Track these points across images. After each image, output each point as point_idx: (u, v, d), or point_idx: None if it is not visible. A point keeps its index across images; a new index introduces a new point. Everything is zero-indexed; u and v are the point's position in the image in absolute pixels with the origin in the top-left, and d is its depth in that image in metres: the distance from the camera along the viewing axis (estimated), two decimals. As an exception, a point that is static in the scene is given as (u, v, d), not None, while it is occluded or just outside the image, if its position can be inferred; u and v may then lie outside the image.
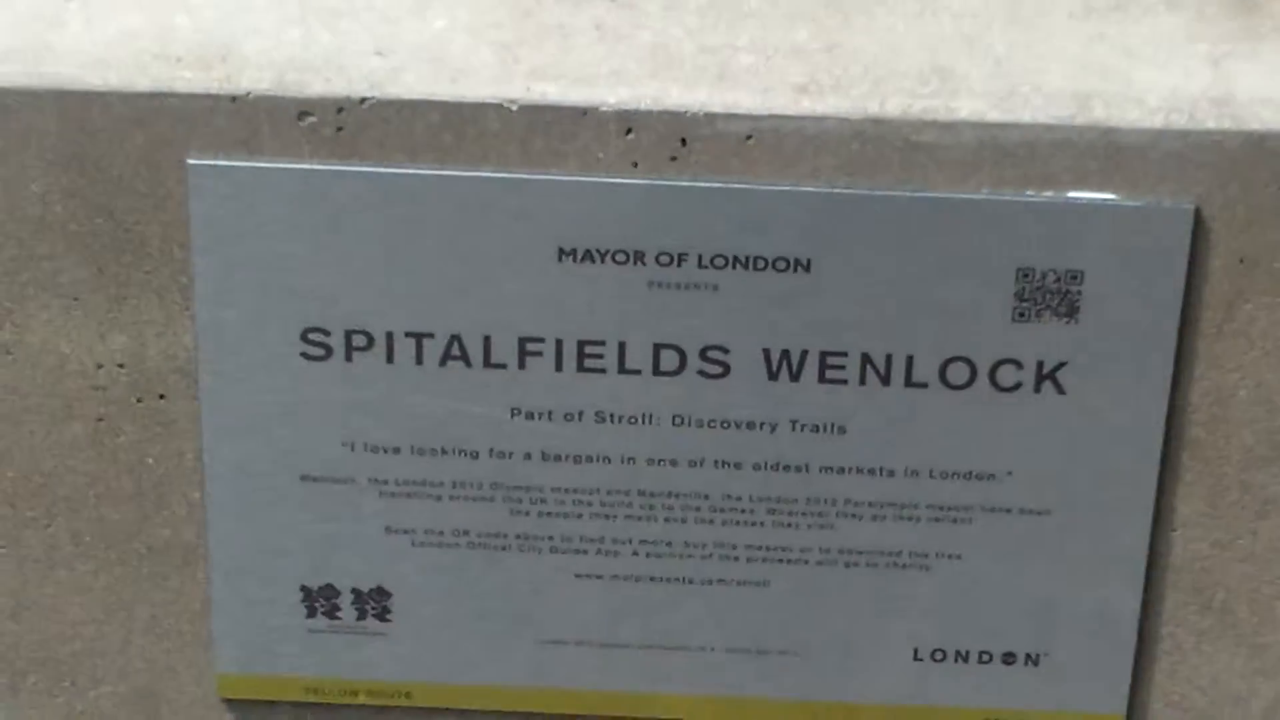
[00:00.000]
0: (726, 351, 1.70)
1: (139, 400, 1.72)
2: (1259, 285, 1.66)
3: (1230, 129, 1.62)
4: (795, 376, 1.70)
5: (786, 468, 1.75)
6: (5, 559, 1.80)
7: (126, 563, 1.80)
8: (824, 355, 1.69)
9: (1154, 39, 1.66)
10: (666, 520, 1.77)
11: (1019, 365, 1.69)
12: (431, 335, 1.70)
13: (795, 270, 1.66)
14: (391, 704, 1.83)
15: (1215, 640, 1.80)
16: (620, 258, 1.65)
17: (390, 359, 1.70)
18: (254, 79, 1.63)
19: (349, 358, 1.70)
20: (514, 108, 1.62)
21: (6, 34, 1.66)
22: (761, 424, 1.73)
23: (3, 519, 1.79)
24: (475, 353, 1.70)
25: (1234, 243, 1.64)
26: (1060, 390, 1.70)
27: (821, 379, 1.70)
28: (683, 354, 1.69)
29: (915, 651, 1.81)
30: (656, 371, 1.70)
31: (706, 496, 1.75)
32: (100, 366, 1.71)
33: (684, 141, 1.63)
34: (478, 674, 1.83)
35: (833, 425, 1.72)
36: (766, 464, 1.74)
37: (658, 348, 1.69)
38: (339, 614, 1.81)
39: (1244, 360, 1.69)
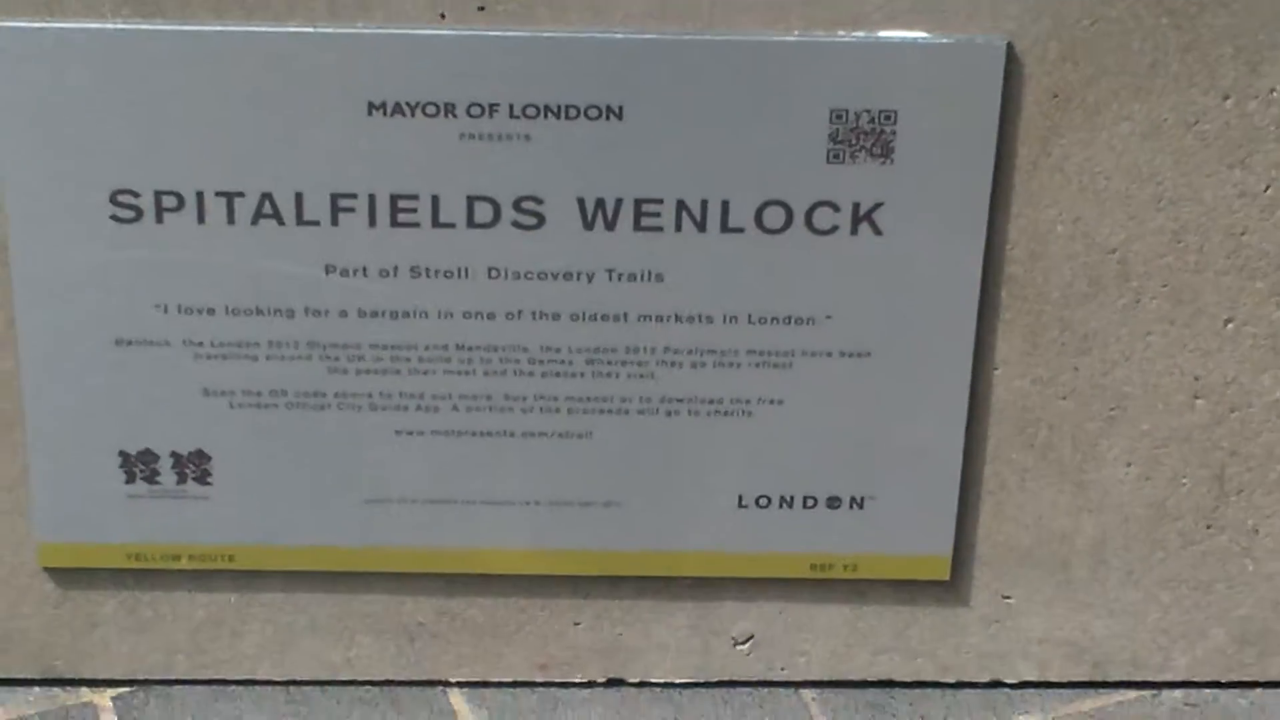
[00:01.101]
0: (540, 202, 1.69)
1: None
2: (1073, 121, 1.66)
3: None
4: (611, 225, 1.70)
5: (604, 317, 1.75)
6: None
7: None
8: (639, 203, 1.69)
9: None
10: (485, 374, 1.77)
11: (835, 208, 1.70)
12: (242, 194, 1.68)
13: (607, 118, 1.65)
14: (215, 567, 1.83)
15: (1039, 478, 1.81)
16: (430, 110, 1.64)
17: (201, 219, 1.69)
18: None
19: (159, 219, 1.69)
20: None
21: None
22: (578, 274, 1.73)
23: None
24: (287, 210, 1.69)
25: (1046, 79, 1.64)
26: (877, 231, 1.71)
27: (637, 227, 1.70)
28: (497, 206, 1.69)
29: (740, 499, 1.81)
30: (471, 224, 1.70)
31: (525, 349, 1.75)
32: None
33: None
34: (301, 535, 1.83)
35: (650, 273, 1.72)
36: (584, 314, 1.74)
37: (471, 200, 1.69)
38: (159, 479, 1.80)
39: (1060, 196, 1.70)
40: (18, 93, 1.64)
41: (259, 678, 1.90)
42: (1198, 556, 1.85)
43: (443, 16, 1.61)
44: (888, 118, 1.66)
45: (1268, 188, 1.69)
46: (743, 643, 1.88)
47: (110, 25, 1.62)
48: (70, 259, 1.71)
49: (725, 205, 1.69)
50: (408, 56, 1.63)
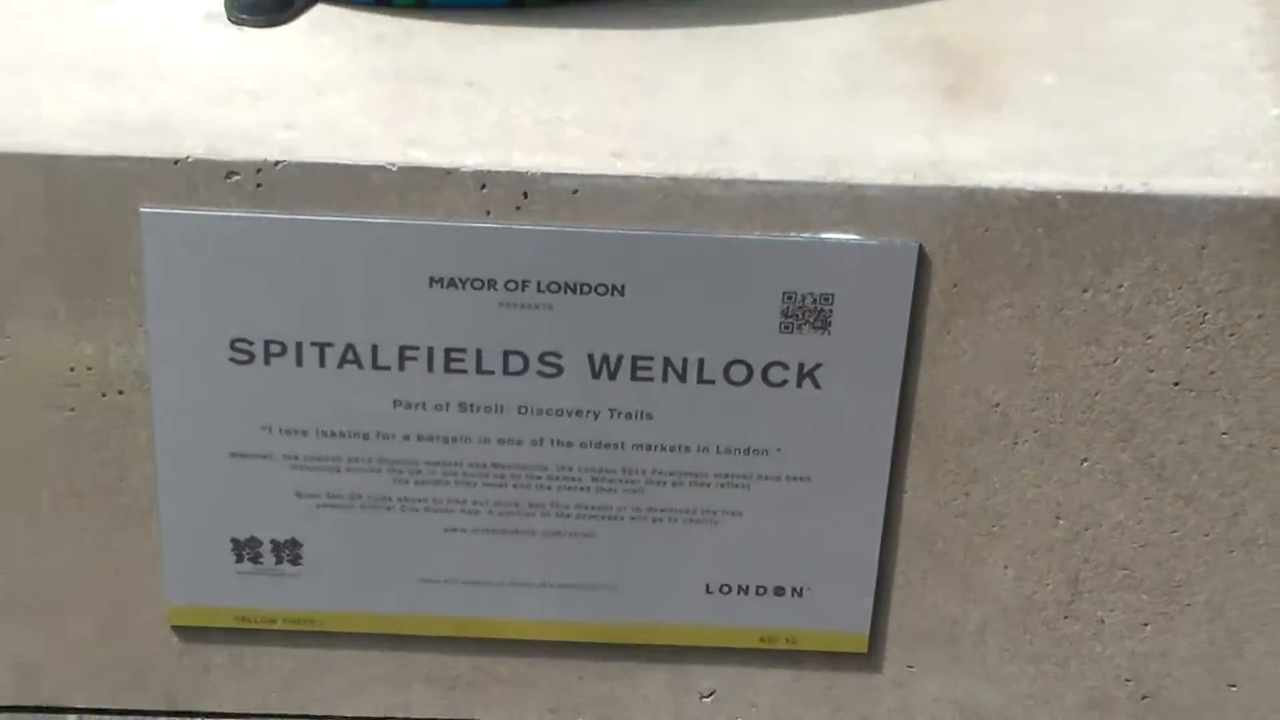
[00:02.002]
0: (560, 357, 1.70)
1: (103, 395, 1.72)
2: (967, 306, 1.67)
3: (945, 184, 1.64)
4: (613, 376, 1.71)
5: (607, 445, 1.75)
6: (-1, 520, 1.76)
7: (95, 523, 1.79)
8: (635, 359, 1.70)
9: (887, 116, 1.68)
10: (514, 486, 1.78)
11: (785, 366, 1.70)
12: (331, 344, 1.70)
13: (613, 294, 1.67)
14: (302, 629, 1.83)
15: (936, 576, 1.82)
16: (477, 284, 1.66)
17: (299, 363, 1.70)
18: (191, 146, 1.62)
19: (267, 362, 1.70)
20: (394, 169, 1.62)
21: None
22: (587, 412, 1.73)
23: (-1, 488, 1.75)
24: (365, 358, 1.70)
25: (948, 272, 1.66)
26: (817, 386, 1.72)
27: (634, 378, 1.71)
28: (526, 359, 1.70)
29: (707, 586, 1.82)
30: (506, 373, 1.71)
31: (544, 468, 1.76)
32: (73, 369, 1.71)
33: (525, 195, 1.63)
34: (369, 604, 1.84)
35: (642, 413, 1.73)
36: (591, 443, 1.75)
37: (506, 354, 1.70)
38: (261, 559, 1.81)
39: (957, 363, 1.71)
40: (162, 263, 1.65)
41: (335, 713, 1.91)
42: (1057, 639, 1.86)
43: (488, 213, 1.63)
44: (827, 299, 1.67)
45: (1116, 360, 1.69)
46: (706, 696, 1.88)
47: (234, 214, 1.64)
48: (198, 391, 1.72)
49: (701, 362, 1.70)
50: (460, 243, 1.64)
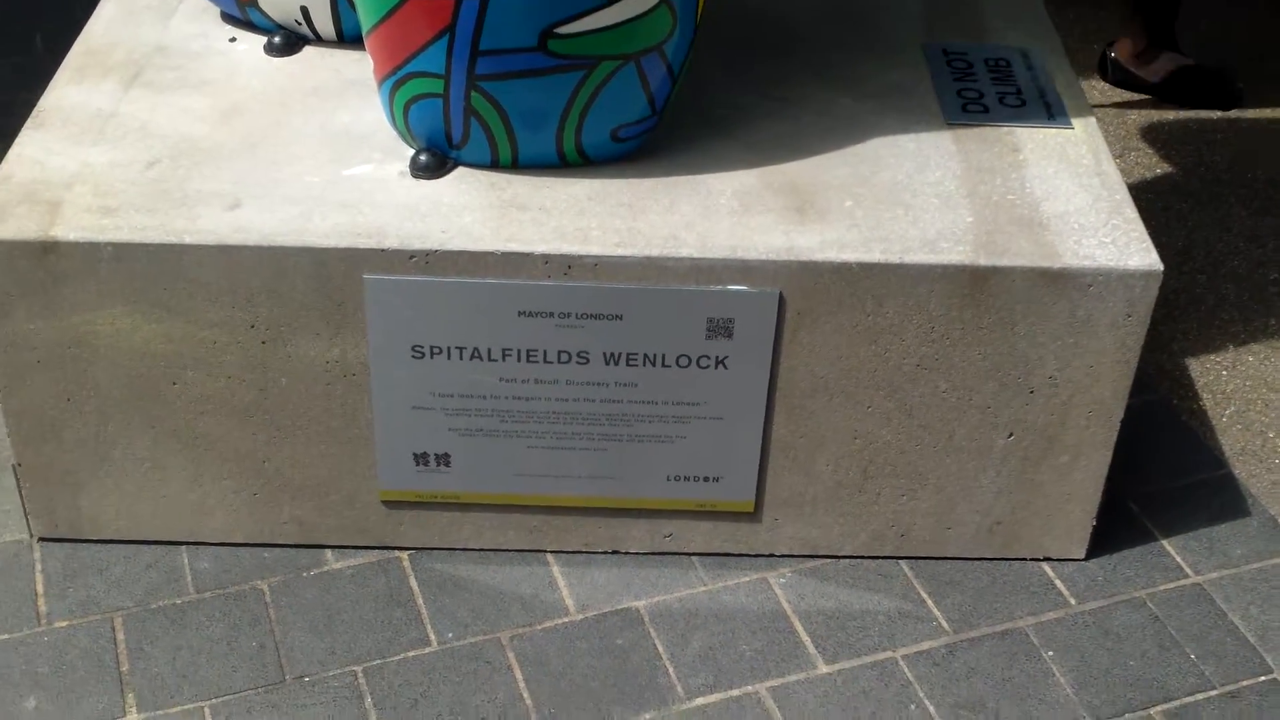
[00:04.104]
0: (588, 354, 1.69)
1: (345, 376, 1.72)
2: (806, 324, 1.68)
3: (793, 260, 1.64)
4: (616, 364, 1.72)
5: (614, 401, 1.74)
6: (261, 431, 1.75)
7: (340, 445, 1.77)
8: (628, 355, 1.71)
9: (763, 224, 1.67)
10: (564, 424, 1.74)
11: (708, 357, 1.70)
12: (465, 347, 1.70)
13: (616, 320, 1.67)
14: (450, 501, 1.82)
15: (789, 470, 1.80)
16: (545, 315, 1.68)
17: (448, 358, 1.71)
18: (391, 242, 1.63)
19: (432, 357, 1.70)
20: (499, 253, 1.62)
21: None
22: (602, 383, 1.71)
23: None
24: (484, 355, 1.70)
25: (795, 305, 1.66)
26: (726, 368, 1.71)
27: (627, 365, 1.72)
28: (570, 354, 1.70)
29: (667, 476, 1.78)
30: (559, 362, 1.71)
31: (580, 414, 1.74)
32: (328, 362, 1.71)
33: (569, 267, 1.63)
34: (487, 488, 1.80)
35: (631, 383, 1.72)
36: (604, 399, 1.73)
37: (559, 352, 1.70)
38: (429, 464, 1.77)
39: (800, 355, 1.71)
40: (376, 306, 1.65)
41: (470, 546, 1.87)
42: (855, 504, 1.83)
43: (548, 277, 1.63)
44: (730, 321, 1.67)
45: (886, 352, 1.70)
46: (667, 536, 1.86)
47: (413, 278, 1.63)
48: (394, 372, 1.71)
49: (663, 356, 1.70)
50: (534, 293, 1.64)
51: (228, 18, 1.87)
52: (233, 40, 1.85)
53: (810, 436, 1.72)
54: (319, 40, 1.84)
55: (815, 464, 1.74)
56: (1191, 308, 2.26)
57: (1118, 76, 2.67)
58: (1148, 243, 1.63)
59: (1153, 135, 2.69)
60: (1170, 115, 2.74)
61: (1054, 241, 1.63)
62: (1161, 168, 2.59)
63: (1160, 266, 1.60)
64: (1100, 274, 1.59)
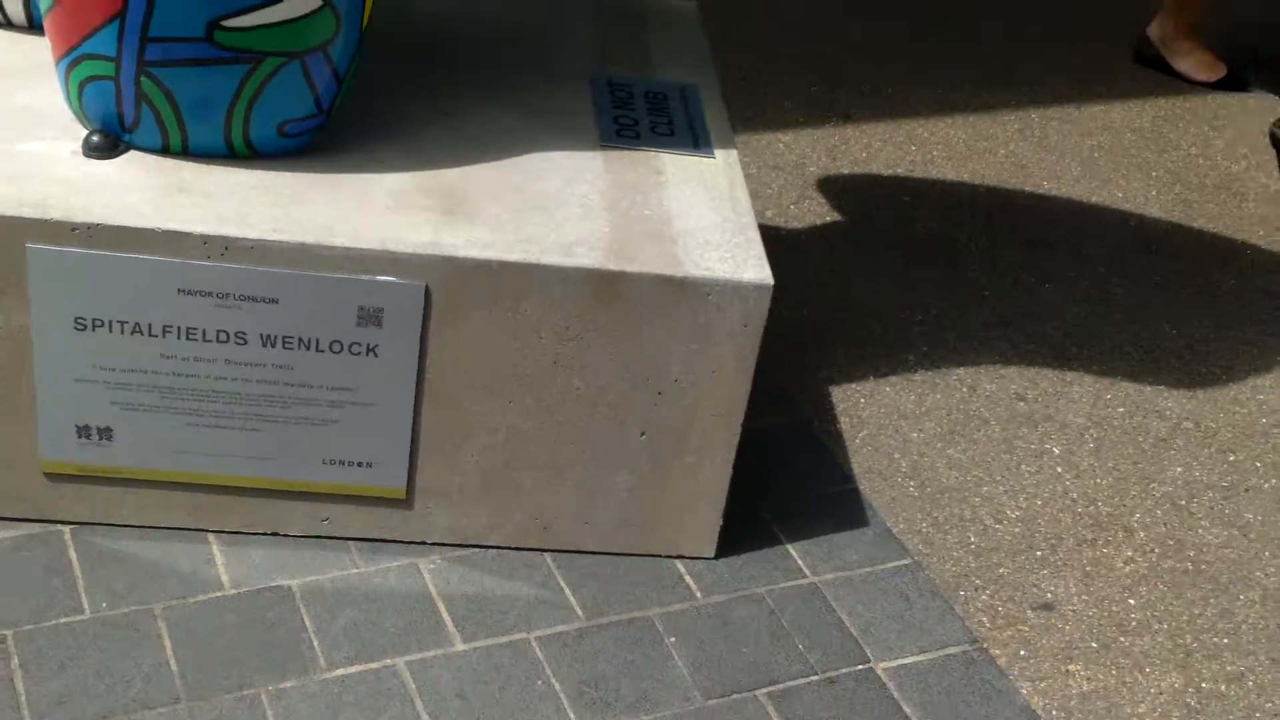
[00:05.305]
0: (245, 335, 1.73)
1: (9, 343, 1.71)
2: (450, 315, 1.73)
3: (440, 255, 1.69)
4: (274, 346, 1.73)
5: (271, 383, 1.76)
6: None
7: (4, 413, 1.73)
8: (284, 338, 1.75)
9: (415, 222, 1.73)
10: (222, 403, 1.76)
11: (359, 344, 1.74)
12: (126, 321, 1.70)
13: (270, 303, 1.71)
14: (112, 475, 1.80)
15: (436, 458, 1.82)
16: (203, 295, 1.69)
17: (110, 331, 1.71)
18: (55, 214, 1.62)
19: (94, 330, 1.70)
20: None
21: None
22: (262, 365, 1.75)
23: None
24: (144, 331, 1.70)
25: (440, 298, 1.71)
26: (376, 355, 1.75)
27: (284, 349, 1.75)
28: (230, 334, 1.72)
29: (323, 460, 1.79)
30: (218, 342, 1.74)
31: (239, 394, 1.75)
32: (1, 329, 1.68)
33: (226, 249, 1.66)
34: (149, 464, 1.80)
35: (288, 366, 1.75)
36: (263, 380, 1.76)
37: (219, 332, 1.73)
38: (90, 437, 1.76)
39: (445, 346, 1.78)
40: (43, 281, 1.65)
41: (129, 523, 1.85)
42: (496, 489, 1.87)
43: (207, 257, 1.65)
44: (380, 310, 1.70)
45: (514, 340, 1.78)
46: (325, 520, 1.85)
47: (83, 251, 1.62)
48: (58, 345, 1.70)
49: (318, 340, 1.72)
50: (194, 271, 1.67)
51: None
52: (-83, 20, 1.84)
53: (457, 428, 1.75)
54: (10, 24, 1.87)
55: (462, 455, 1.77)
56: (841, 342, 2.41)
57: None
58: (764, 260, 1.74)
59: (828, 187, 2.86)
60: (845, 170, 2.90)
61: (679, 254, 1.73)
62: (834, 217, 2.74)
63: (771, 281, 1.71)
64: (718, 284, 1.70)
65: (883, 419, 2.27)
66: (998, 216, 2.84)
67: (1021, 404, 2.34)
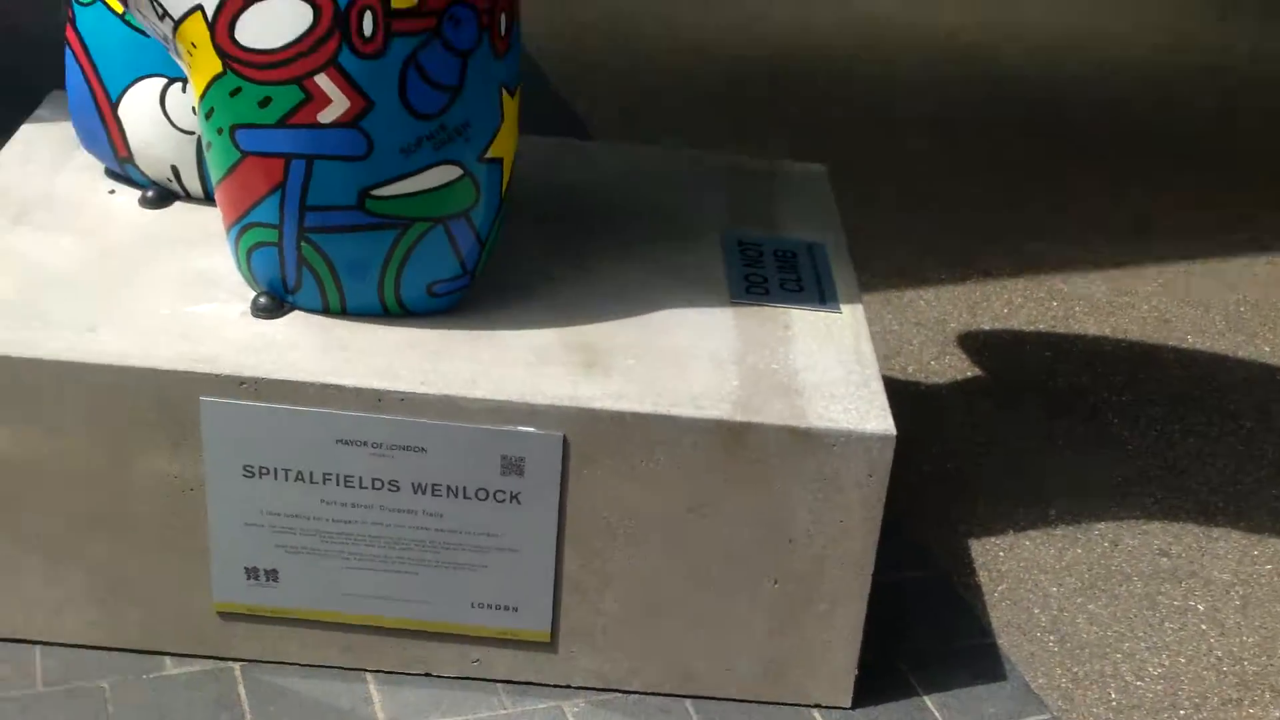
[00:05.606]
0: (398, 483, 1.79)
1: (185, 491, 1.80)
2: (588, 463, 1.80)
3: (577, 406, 1.76)
4: (425, 493, 1.82)
5: (423, 529, 1.82)
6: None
7: (177, 557, 1.85)
8: (433, 486, 1.82)
9: (556, 374, 1.81)
10: (379, 547, 1.83)
11: (503, 492, 1.80)
12: (290, 469, 1.79)
13: (420, 452, 1.78)
14: (280, 615, 1.86)
15: (581, 604, 1.87)
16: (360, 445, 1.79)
17: (275, 478, 1.79)
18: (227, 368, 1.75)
19: (261, 477, 1.78)
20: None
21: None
22: (413, 511, 1.81)
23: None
24: (307, 479, 1.80)
25: (578, 448, 1.78)
26: (520, 503, 1.80)
27: (433, 495, 1.82)
28: (385, 482, 1.80)
29: (472, 603, 1.84)
30: (374, 489, 1.81)
31: (397, 540, 1.83)
32: (172, 478, 1.81)
33: (380, 399, 1.76)
34: (313, 604, 1.86)
35: (439, 513, 1.82)
36: (416, 526, 1.82)
37: (374, 480, 1.80)
38: (258, 579, 1.83)
39: (584, 491, 1.83)
40: (215, 432, 1.77)
41: (293, 660, 1.90)
42: (642, 637, 1.90)
43: (361, 408, 1.75)
44: (521, 459, 1.75)
45: (654, 488, 1.81)
46: (475, 661, 1.90)
47: (251, 404, 1.76)
48: (229, 491, 1.82)
49: (464, 488, 1.78)
50: (350, 422, 1.79)
51: (110, 173, 2.05)
52: (111, 192, 2.03)
53: (598, 573, 1.78)
54: (188, 196, 2.02)
55: (604, 600, 1.80)
56: (981, 495, 2.43)
57: None
58: (887, 411, 1.78)
59: (968, 343, 2.89)
60: (985, 325, 2.94)
61: (805, 406, 1.78)
62: (974, 371, 2.78)
63: (894, 432, 1.75)
64: (842, 435, 1.75)
65: (1022, 572, 2.27)
66: (1141, 370, 2.83)
67: (1165, 559, 2.32)
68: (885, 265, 3.10)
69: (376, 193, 1.73)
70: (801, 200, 2.21)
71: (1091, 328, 2.97)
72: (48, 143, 2.12)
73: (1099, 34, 4.49)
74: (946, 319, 2.95)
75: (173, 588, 1.79)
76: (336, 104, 1.68)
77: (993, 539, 2.33)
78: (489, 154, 1.79)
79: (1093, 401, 2.72)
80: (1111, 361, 2.87)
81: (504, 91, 1.78)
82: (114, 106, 1.93)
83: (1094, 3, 4.77)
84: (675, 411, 1.75)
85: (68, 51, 1.94)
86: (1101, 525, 2.39)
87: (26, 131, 2.14)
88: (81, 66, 1.93)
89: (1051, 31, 4.49)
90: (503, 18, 1.74)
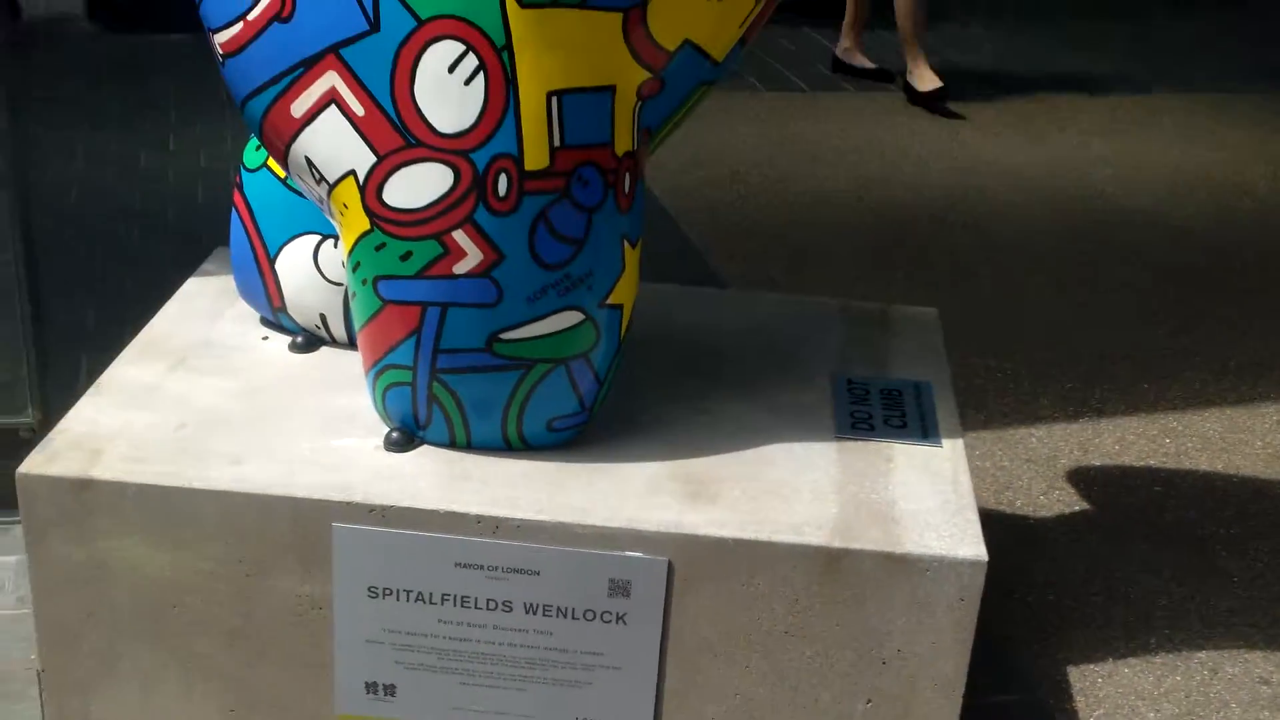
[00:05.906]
0: (511, 604, 1.88)
1: (315, 609, 1.88)
2: (691, 587, 1.87)
3: (683, 533, 1.86)
4: (537, 614, 1.89)
5: (534, 648, 1.88)
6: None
7: (304, 672, 1.91)
8: (544, 606, 1.89)
9: (663, 503, 1.90)
10: (490, 665, 1.89)
11: (610, 613, 1.87)
12: (410, 590, 1.88)
13: (531, 575, 1.86)
14: None
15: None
16: (477, 567, 1.88)
17: (396, 599, 1.89)
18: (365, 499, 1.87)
19: (383, 598, 1.88)
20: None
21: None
22: (525, 631, 1.90)
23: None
24: (424, 599, 1.89)
25: (683, 571, 1.85)
26: (625, 624, 1.87)
27: (543, 615, 1.89)
28: (498, 603, 1.88)
29: (577, 718, 1.87)
30: (488, 609, 1.88)
31: (506, 658, 1.88)
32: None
33: (497, 527, 1.85)
34: (432, 718, 1.81)
35: (548, 632, 1.89)
36: (527, 645, 1.89)
37: (488, 600, 1.89)
38: (377, 693, 1.87)
39: (688, 615, 1.89)
40: (345, 555, 1.88)
41: None
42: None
43: (480, 535, 1.84)
44: (629, 582, 1.83)
45: (763, 611, 1.89)
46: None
47: (379, 529, 1.86)
48: (354, 610, 1.89)
49: (572, 609, 1.85)
50: (469, 546, 1.88)
51: (264, 321, 2.20)
52: (265, 339, 2.18)
53: (698, 691, 1.80)
54: (334, 342, 2.16)
55: (703, 717, 1.83)
56: (1082, 624, 2.47)
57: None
58: (979, 538, 1.85)
59: (1078, 478, 2.93)
60: (1096, 462, 2.96)
61: (900, 533, 1.86)
62: (1082, 505, 2.82)
63: (985, 557, 1.82)
64: (935, 560, 1.83)
65: (1119, 699, 2.30)
66: (1251, 506, 2.85)
67: (1265, 688, 2.34)
68: (998, 404, 3.15)
69: (504, 336, 1.85)
70: (911, 342, 2.29)
71: (1204, 464, 3.00)
72: (209, 294, 2.27)
73: (1220, 169, 4.50)
74: (1057, 455, 3.00)
75: (297, 700, 1.84)
76: (471, 256, 1.80)
77: (1092, 665, 2.36)
78: (609, 300, 1.89)
79: (1200, 535, 2.75)
80: (1222, 496, 2.89)
81: (625, 242, 1.89)
82: (272, 261, 2.08)
83: (1216, 140, 4.79)
84: (776, 538, 1.83)
85: (234, 212, 2.10)
86: (1202, 654, 2.41)
87: (191, 285, 2.30)
88: (245, 225, 2.09)
89: (1173, 168, 4.52)
90: (627, 176, 1.85)
